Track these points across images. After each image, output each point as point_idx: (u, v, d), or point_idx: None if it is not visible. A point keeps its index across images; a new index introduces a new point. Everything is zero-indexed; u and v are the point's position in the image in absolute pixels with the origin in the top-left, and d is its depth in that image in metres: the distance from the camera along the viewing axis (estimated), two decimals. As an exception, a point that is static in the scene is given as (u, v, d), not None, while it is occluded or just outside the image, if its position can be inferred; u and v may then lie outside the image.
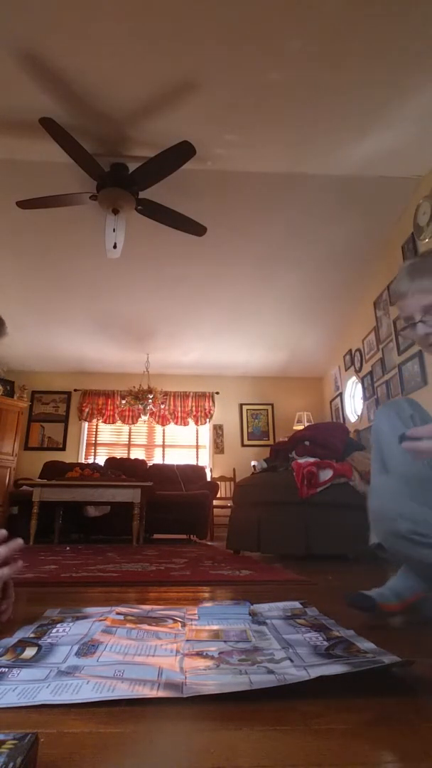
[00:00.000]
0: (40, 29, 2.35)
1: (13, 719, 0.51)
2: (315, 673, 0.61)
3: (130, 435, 6.83)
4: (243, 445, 6.72)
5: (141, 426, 6.80)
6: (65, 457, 6.30)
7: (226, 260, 4.42)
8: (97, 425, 6.80)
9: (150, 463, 6.10)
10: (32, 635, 0.81)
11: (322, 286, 4.84)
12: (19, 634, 0.82)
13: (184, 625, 0.91)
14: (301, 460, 3.05)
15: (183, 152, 2.85)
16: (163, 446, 6.81)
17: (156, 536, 5.12)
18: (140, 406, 6.13)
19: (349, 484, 2.89)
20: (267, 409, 6.89)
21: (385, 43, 2.41)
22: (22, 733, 0.39)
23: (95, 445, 6.76)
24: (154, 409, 6.35)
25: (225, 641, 0.79)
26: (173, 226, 3.47)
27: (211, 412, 6.78)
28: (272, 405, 6.88)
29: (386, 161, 3.30)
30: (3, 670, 0.63)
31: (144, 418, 6.47)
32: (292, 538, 2.78)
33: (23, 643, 0.76)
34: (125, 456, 6.44)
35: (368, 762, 0.44)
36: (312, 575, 1.82)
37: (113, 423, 6.71)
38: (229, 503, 4.63)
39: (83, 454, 6.67)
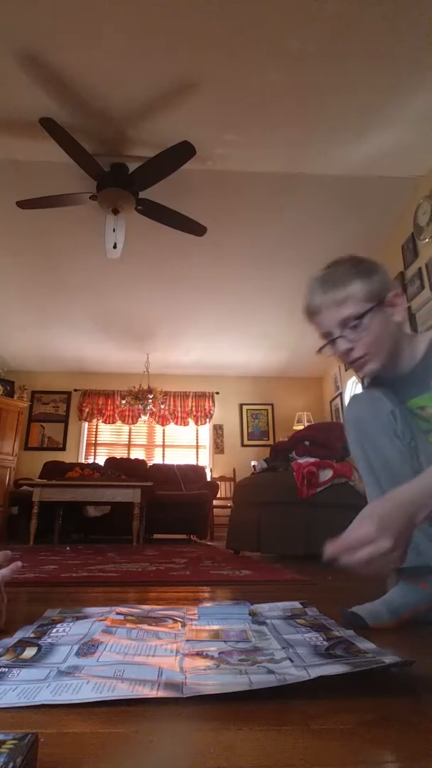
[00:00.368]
0: (40, 29, 2.35)
1: (13, 719, 0.51)
2: (315, 673, 0.61)
3: (130, 435, 6.83)
4: (243, 445, 6.72)
5: (141, 426, 6.80)
6: (65, 457, 6.30)
7: (226, 260, 4.42)
8: (97, 425, 6.80)
9: (150, 463, 6.09)
10: (32, 635, 0.81)
11: (322, 286, 4.84)
12: (19, 634, 0.82)
13: (184, 625, 0.91)
14: (301, 460, 3.05)
15: (183, 152, 2.85)
16: (163, 446, 6.81)
17: (156, 536, 5.12)
18: (140, 406, 6.13)
19: (349, 484, 2.88)
20: (267, 409, 6.89)
21: (385, 43, 2.41)
22: (22, 733, 0.39)
23: (95, 445, 6.76)
24: (154, 409, 6.36)
25: (225, 641, 0.79)
26: (173, 226, 3.47)
27: (211, 412, 6.78)
28: (272, 405, 6.88)
29: (386, 161, 3.29)
30: (3, 670, 0.63)
31: (144, 418, 6.47)
32: (292, 538, 2.78)
33: (23, 643, 0.76)
34: (125, 456, 6.44)
35: (368, 762, 0.44)
36: (312, 575, 1.82)
37: (113, 423, 6.71)
38: (229, 503, 4.63)
39: (83, 454, 6.67)
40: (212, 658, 0.70)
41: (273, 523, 2.92)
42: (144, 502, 4.15)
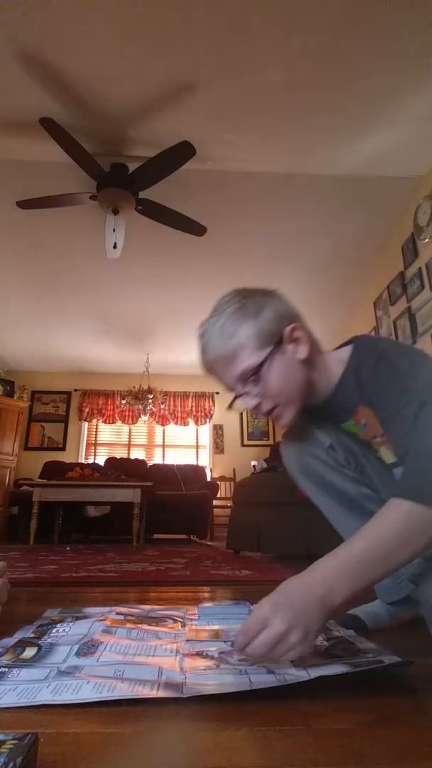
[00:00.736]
0: (40, 29, 2.35)
1: (13, 719, 0.51)
2: (315, 673, 0.61)
3: (130, 435, 6.83)
4: (243, 445, 6.72)
5: (141, 426, 6.80)
6: (65, 457, 6.30)
7: (226, 260, 4.41)
8: (97, 425, 6.80)
9: (150, 463, 6.09)
10: (32, 635, 0.81)
11: (322, 285, 4.83)
12: (19, 634, 0.82)
13: (184, 625, 0.91)
14: (301, 460, 3.05)
15: (183, 152, 2.85)
16: (163, 446, 6.81)
17: (156, 536, 5.12)
18: (140, 406, 6.13)
19: (349, 484, 2.88)
20: (267, 409, 6.88)
21: (385, 43, 2.41)
22: (22, 733, 0.39)
23: (95, 445, 6.76)
24: (154, 409, 6.36)
25: (225, 641, 0.79)
26: (173, 226, 3.47)
27: (211, 412, 6.77)
28: (272, 405, 6.87)
29: (386, 161, 3.29)
30: (3, 670, 0.63)
31: (144, 418, 6.47)
32: (292, 538, 2.78)
33: (23, 643, 0.76)
34: (125, 456, 6.44)
35: (368, 762, 0.44)
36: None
37: (113, 423, 6.70)
38: (229, 503, 4.63)
39: (83, 454, 6.67)
40: (212, 658, 0.70)
41: (273, 523, 2.92)
42: (144, 502, 4.15)
